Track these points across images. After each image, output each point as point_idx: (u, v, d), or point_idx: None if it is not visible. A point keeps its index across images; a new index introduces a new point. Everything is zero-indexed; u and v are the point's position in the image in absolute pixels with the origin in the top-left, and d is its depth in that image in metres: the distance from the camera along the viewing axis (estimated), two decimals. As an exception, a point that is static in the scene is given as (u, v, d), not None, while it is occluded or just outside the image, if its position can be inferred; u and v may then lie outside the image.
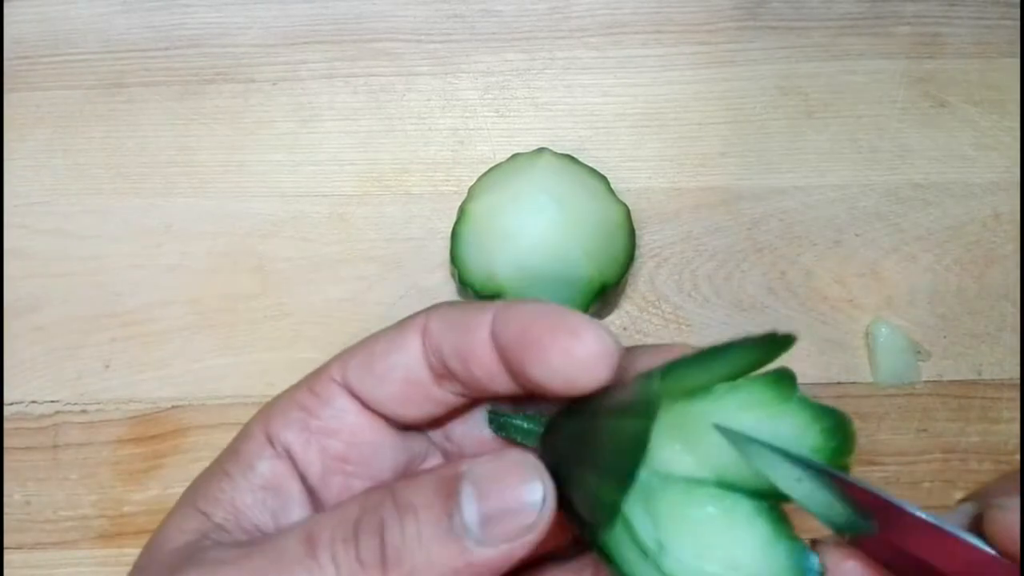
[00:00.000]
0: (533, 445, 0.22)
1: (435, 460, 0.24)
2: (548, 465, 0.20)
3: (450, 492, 0.19)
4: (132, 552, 0.38)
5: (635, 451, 0.17)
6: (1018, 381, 0.40)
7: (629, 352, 0.22)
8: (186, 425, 0.40)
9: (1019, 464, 0.39)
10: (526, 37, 0.44)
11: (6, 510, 0.39)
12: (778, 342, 0.19)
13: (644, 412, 0.18)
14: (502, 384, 0.21)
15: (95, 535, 0.39)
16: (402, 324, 0.22)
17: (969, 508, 0.31)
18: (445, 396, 0.22)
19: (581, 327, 0.19)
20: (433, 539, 0.19)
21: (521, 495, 0.19)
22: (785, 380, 0.20)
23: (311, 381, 0.23)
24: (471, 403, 0.23)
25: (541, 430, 0.22)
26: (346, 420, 0.22)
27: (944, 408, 0.40)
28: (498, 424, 0.23)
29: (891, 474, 0.39)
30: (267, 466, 0.22)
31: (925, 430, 0.39)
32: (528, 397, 0.22)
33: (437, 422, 0.24)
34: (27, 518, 0.39)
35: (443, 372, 0.22)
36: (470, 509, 0.19)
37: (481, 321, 0.21)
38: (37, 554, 0.39)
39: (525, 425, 0.23)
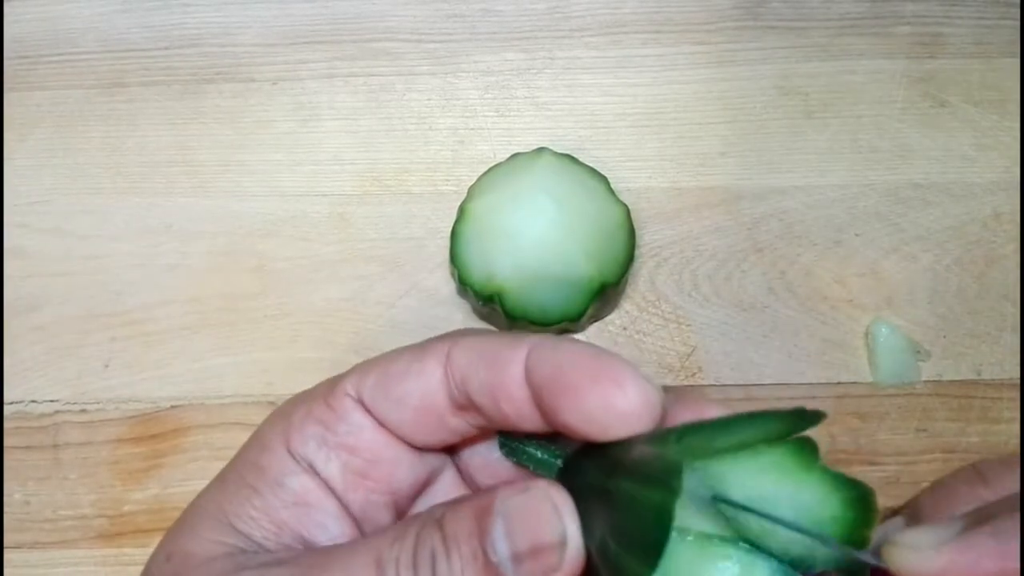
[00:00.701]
0: (546, 475, 0.22)
1: (450, 474, 0.24)
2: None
3: (484, 527, 0.19)
4: (132, 552, 0.38)
5: (660, 528, 0.17)
6: (1018, 381, 0.40)
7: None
8: (186, 425, 0.40)
9: (1019, 463, 0.39)
10: (526, 37, 0.44)
11: (6, 510, 0.39)
12: (806, 418, 0.19)
13: (666, 485, 0.17)
14: (532, 423, 0.20)
15: (95, 535, 0.39)
16: (423, 348, 0.22)
17: (900, 521, 0.31)
18: (461, 426, 0.22)
19: (623, 376, 0.19)
20: (474, 574, 0.19)
21: (546, 534, 0.19)
22: (808, 448, 0.19)
23: (327, 394, 0.23)
24: (486, 432, 0.23)
25: (558, 463, 0.22)
26: (363, 436, 0.22)
27: (944, 408, 0.40)
28: (510, 449, 0.23)
29: (891, 474, 0.39)
30: (297, 482, 0.22)
31: (925, 430, 0.39)
32: (554, 434, 0.21)
33: (450, 448, 0.24)
34: (27, 518, 0.39)
35: (465, 404, 0.21)
36: (501, 545, 0.19)
37: (515, 357, 0.20)
38: (37, 553, 0.39)
39: (539, 455, 0.22)
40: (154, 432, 0.40)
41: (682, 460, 0.18)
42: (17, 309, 0.41)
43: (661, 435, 0.19)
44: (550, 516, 0.19)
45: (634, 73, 0.44)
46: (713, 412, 0.20)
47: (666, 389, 0.21)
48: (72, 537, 0.39)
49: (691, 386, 0.21)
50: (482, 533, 0.19)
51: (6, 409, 0.40)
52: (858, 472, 0.39)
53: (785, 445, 0.20)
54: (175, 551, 0.22)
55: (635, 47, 0.44)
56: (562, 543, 0.19)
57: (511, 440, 0.23)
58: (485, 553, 0.19)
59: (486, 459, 0.24)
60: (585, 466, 0.21)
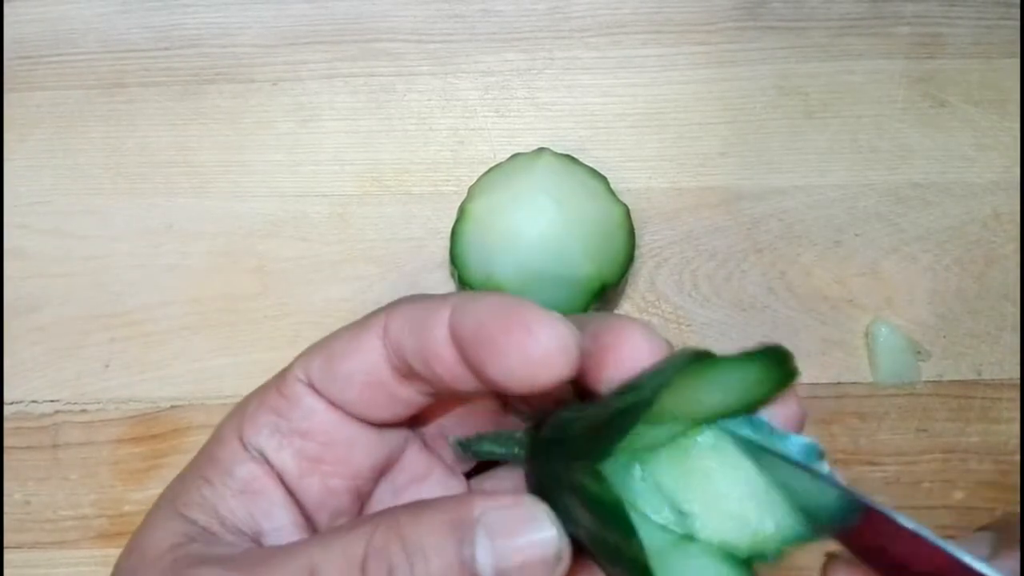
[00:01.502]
0: (511, 460, 0.22)
1: (414, 449, 0.24)
2: (533, 481, 0.20)
3: (463, 538, 0.18)
4: (132, 552, 0.38)
5: (623, 520, 0.17)
6: (1018, 381, 0.40)
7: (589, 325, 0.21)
8: (186, 425, 0.40)
9: (1019, 463, 0.39)
10: (526, 37, 0.44)
11: (6, 510, 0.39)
12: (780, 359, 0.19)
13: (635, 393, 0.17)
14: (467, 383, 0.20)
15: (95, 535, 0.39)
16: (362, 323, 0.22)
17: (988, 536, 0.31)
18: (412, 396, 0.22)
19: (535, 321, 0.18)
20: None
21: (536, 551, 0.18)
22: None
23: (278, 382, 0.23)
24: (444, 402, 0.23)
25: (519, 452, 0.22)
26: (316, 420, 0.22)
27: (944, 408, 0.40)
28: (465, 449, 0.23)
29: (891, 474, 0.39)
30: (245, 471, 0.22)
31: (925, 430, 0.39)
32: (499, 396, 0.21)
33: (412, 420, 0.23)
34: (27, 518, 0.39)
35: (408, 372, 0.21)
36: (485, 560, 0.18)
37: (439, 319, 0.20)
38: (37, 554, 0.39)
39: (498, 450, 0.22)
40: (154, 432, 0.40)
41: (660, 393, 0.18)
42: (17, 309, 0.41)
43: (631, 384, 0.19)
44: (540, 531, 0.18)
45: (634, 73, 0.44)
46: (637, 340, 0.20)
47: (586, 320, 0.21)
48: (72, 537, 0.39)
49: (614, 315, 0.21)
50: (460, 544, 0.18)
51: (6, 409, 0.40)
52: (858, 472, 0.39)
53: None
54: (134, 545, 0.22)
55: (635, 47, 0.44)
56: (554, 559, 0.18)
57: (464, 440, 0.23)
58: (465, 566, 0.18)
59: (460, 424, 0.24)
60: (547, 451, 0.20)
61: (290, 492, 0.22)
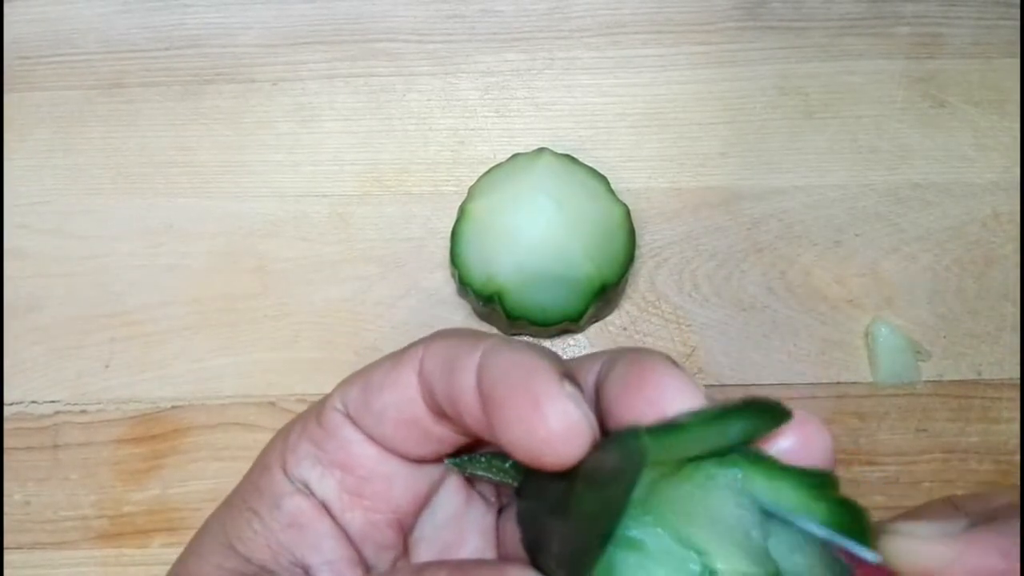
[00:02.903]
0: (505, 485, 0.21)
1: (452, 483, 0.23)
2: (522, 524, 0.19)
3: None
4: (132, 552, 0.38)
5: (611, 515, 0.16)
6: (1018, 381, 0.40)
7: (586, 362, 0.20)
8: (186, 425, 0.40)
9: (1019, 463, 0.39)
10: (526, 37, 0.44)
11: (6, 510, 0.39)
12: (775, 414, 0.18)
13: (628, 474, 0.16)
14: (491, 436, 0.18)
15: (95, 535, 0.39)
16: (400, 356, 0.21)
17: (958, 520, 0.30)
18: (447, 435, 0.21)
19: (545, 397, 0.17)
20: None
21: None
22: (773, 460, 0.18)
23: (319, 409, 0.22)
24: (481, 440, 0.22)
25: (507, 480, 0.21)
26: (353, 452, 0.21)
27: (944, 408, 0.40)
28: (459, 468, 0.22)
29: (891, 474, 0.39)
30: (292, 504, 0.22)
31: (925, 430, 0.39)
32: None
33: (448, 455, 0.22)
34: (27, 518, 0.39)
35: (440, 412, 0.20)
36: None
37: (469, 364, 0.19)
38: (37, 554, 0.39)
39: (490, 476, 0.21)
40: (154, 432, 0.40)
41: (647, 454, 0.16)
42: (17, 309, 0.41)
43: (623, 437, 0.17)
44: None
45: (634, 73, 0.44)
46: (671, 397, 0.18)
47: (612, 354, 0.19)
48: (72, 538, 0.39)
49: (637, 348, 0.19)
50: None
51: (6, 409, 0.40)
52: (858, 472, 0.39)
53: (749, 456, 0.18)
54: (181, 573, 0.22)
55: (635, 47, 0.44)
56: None
57: (457, 460, 0.22)
58: None
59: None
60: (542, 484, 0.19)
61: (337, 524, 0.22)
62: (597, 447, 0.18)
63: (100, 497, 0.39)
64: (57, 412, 0.40)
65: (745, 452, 0.19)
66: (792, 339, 0.40)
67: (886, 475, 0.39)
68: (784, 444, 0.18)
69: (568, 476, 0.18)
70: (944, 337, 0.40)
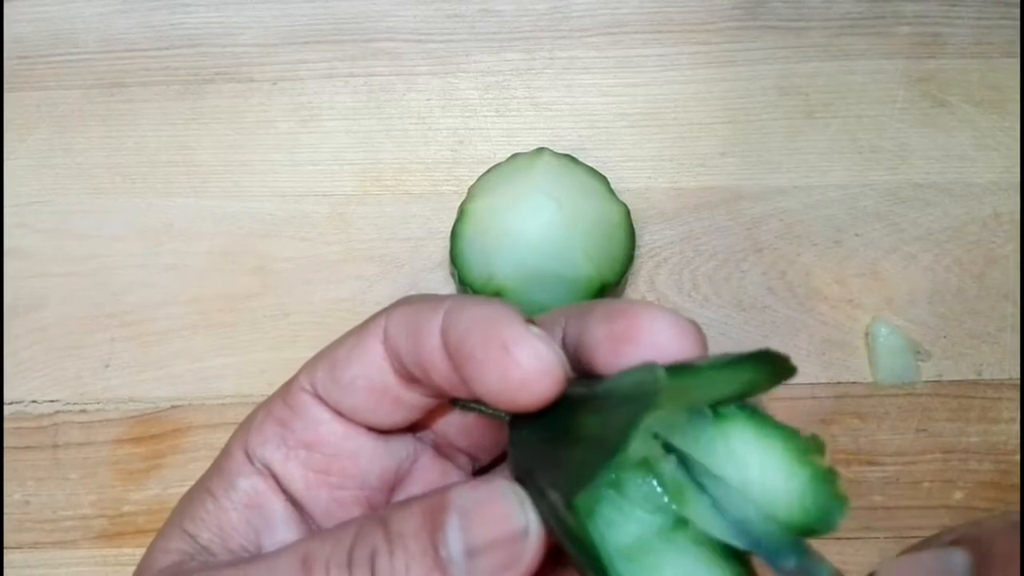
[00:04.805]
0: (498, 419, 0.21)
1: (426, 459, 0.24)
2: (515, 452, 0.19)
3: (436, 523, 0.18)
4: (132, 552, 0.38)
5: (619, 439, 0.16)
6: (1018, 381, 0.40)
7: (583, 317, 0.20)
8: (186, 425, 0.40)
9: (1019, 463, 0.39)
10: (526, 37, 0.44)
11: (6, 510, 0.39)
12: (781, 368, 0.18)
13: (639, 402, 0.16)
14: (464, 391, 0.19)
15: (95, 535, 0.39)
16: (363, 327, 0.21)
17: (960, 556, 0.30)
18: (418, 400, 0.21)
19: (514, 341, 0.18)
20: (420, 571, 0.18)
21: (504, 528, 0.18)
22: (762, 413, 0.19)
23: (284, 392, 0.22)
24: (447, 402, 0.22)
25: (501, 413, 0.21)
26: (321, 431, 0.22)
27: (944, 408, 0.40)
28: (462, 405, 0.22)
29: (891, 474, 0.39)
30: (248, 484, 0.22)
31: (925, 430, 0.39)
32: None
33: (420, 423, 0.23)
34: (27, 518, 0.39)
35: (410, 376, 0.21)
36: (455, 541, 0.18)
37: (432, 326, 0.19)
38: (37, 554, 0.39)
39: (483, 408, 0.21)
40: (154, 432, 0.40)
41: (662, 389, 0.17)
42: (17, 309, 0.41)
43: (636, 370, 0.18)
44: (509, 510, 0.18)
45: (634, 73, 0.44)
46: (661, 328, 0.19)
47: (589, 305, 0.20)
48: (72, 537, 0.39)
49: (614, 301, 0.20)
50: (434, 529, 0.18)
51: (6, 409, 0.40)
52: (858, 472, 0.39)
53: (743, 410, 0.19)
54: (142, 564, 0.22)
55: (635, 47, 0.44)
56: (523, 534, 0.18)
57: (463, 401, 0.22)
58: (435, 549, 0.18)
59: (460, 422, 0.23)
60: (524, 431, 0.20)
61: (296, 506, 0.22)
62: (596, 381, 0.18)
63: (100, 497, 0.39)
64: (57, 412, 0.40)
65: (742, 404, 0.19)
66: (792, 339, 0.40)
67: (886, 475, 0.39)
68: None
69: (558, 408, 0.18)
70: (944, 337, 0.40)
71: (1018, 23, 0.44)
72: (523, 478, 0.19)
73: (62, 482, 0.39)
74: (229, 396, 0.40)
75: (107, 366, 0.40)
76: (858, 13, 0.44)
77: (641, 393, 0.17)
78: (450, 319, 0.19)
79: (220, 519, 0.21)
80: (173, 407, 0.40)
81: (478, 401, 0.21)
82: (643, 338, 0.18)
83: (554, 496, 0.18)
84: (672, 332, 0.19)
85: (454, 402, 0.22)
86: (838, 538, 0.38)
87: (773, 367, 0.19)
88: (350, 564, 0.19)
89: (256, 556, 0.21)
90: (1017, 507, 0.38)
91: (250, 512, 0.22)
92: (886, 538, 0.38)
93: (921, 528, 0.38)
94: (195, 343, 0.41)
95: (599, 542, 0.18)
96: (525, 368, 0.17)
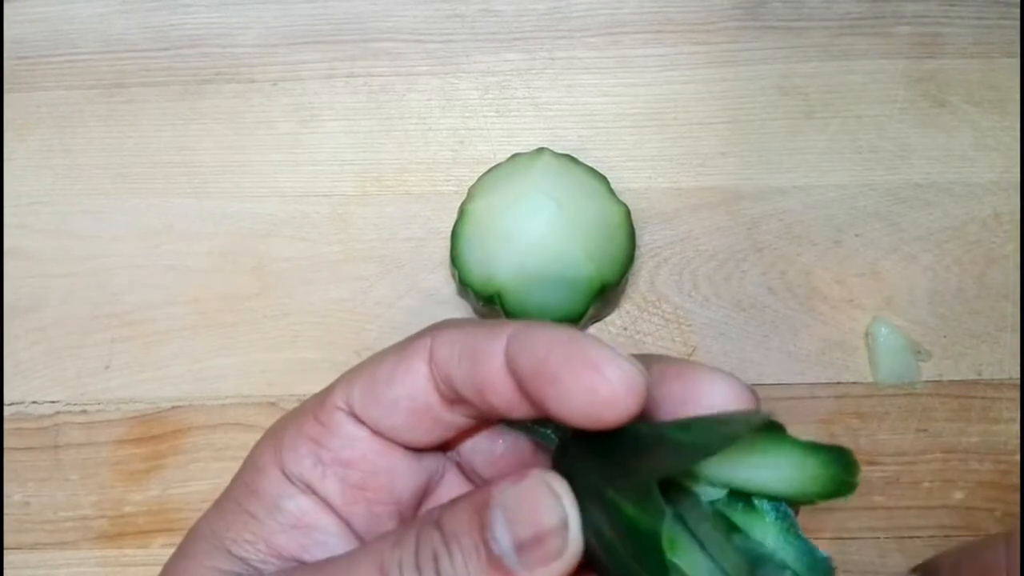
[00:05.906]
0: (544, 442, 0.22)
1: (452, 475, 0.24)
2: (571, 472, 0.20)
3: (483, 520, 0.19)
4: (132, 552, 0.38)
5: (655, 551, 0.17)
6: (1018, 381, 0.40)
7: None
8: (186, 425, 0.40)
9: (1019, 463, 0.39)
10: (526, 37, 0.44)
11: (6, 510, 0.39)
12: (846, 463, 0.19)
13: (732, 427, 0.17)
14: (521, 411, 0.20)
15: (95, 535, 0.39)
16: (405, 347, 0.22)
17: None
18: (457, 420, 0.22)
19: (603, 361, 0.18)
20: (478, 568, 0.19)
21: (547, 519, 0.19)
22: (775, 427, 0.19)
23: (316, 409, 0.22)
24: (483, 423, 0.23)
25: (554, 439, 0.22)
26: (357, 449, 0.22)
27: (944, 408, 0.40)
28: (513, 425, 0.23)
29: (891, 474, 0.39)
30: (294, 505, 0.22)
31: (925, 430, 0.39)
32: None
33: (451, 442, 0.23)
34: (27, 518, 0.39)
35: (455, 398, 0.21)
36: (503, 536, 0.19)
37: (493, 349, 0.20)
38: (37, 554, 0.39)
39: (538, 431, 0.22)
40: (154, 433, 0.40)
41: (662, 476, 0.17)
42: (17, 309, 0.41)
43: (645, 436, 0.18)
44: (549, 501, 0.19)
45: (634, 73, 0.44)
46: (720, 390, 0.20)
47: (647, 359, 0.21)
48: (73, 538, 0.39)
49: (670, 357, 0.21)
50: (482, 526, 0.19)
51: (6, 410, 0.40)
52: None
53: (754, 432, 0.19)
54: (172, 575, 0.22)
55: (635, 47, 0.44)
56: (563, 527, 0.19)
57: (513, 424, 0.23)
58: (487, 545, 0.19)
59: (488, 452, 0.24)
60: (580, 453, 0.20)
61: (343, 520, 0.22)
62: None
63: (100, 497, 0.39)
64: (57, 412, 0.40)
65: (777, 508, 0.20)
66: (792, 339, 0.40)
67: (886, 475, 0.39)
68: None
69: (616, 432, 0.19)
70: (944, 337, 0.40)
71: (1018, 23, 0.44)
72: (575, 485, 0.19)
73: (62, 483, 0.39)
74: (229, 396, 0.40)
75: (107, 367, 0.40)
76: (858, 13, 0.44)
77: (743, 420, 0.17)
78: (521, 343, 0.20)
79: (269, 541, 0.22)
80: (173, 407, 0.40)
81: (536, 421, 0.22)
82: (703, 401, 0.20)
83: (620, 498, 0.18)
84: (731, 397, 0.20)
85: (507, 423, 0.23)
86: (839, 538, 0.38)
87: (841, 470, 0.19)
88: (418, 567, 0.19)
89: (322, 567, 0.21)
90: (1017, 507, 0.38)
91: (299, 532, 0.22)
92: (886, 538, 0.38)
93: (921, 528, 0.38)
94: (195, 343, 0.41)
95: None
96: (615, 385, 0.18)
